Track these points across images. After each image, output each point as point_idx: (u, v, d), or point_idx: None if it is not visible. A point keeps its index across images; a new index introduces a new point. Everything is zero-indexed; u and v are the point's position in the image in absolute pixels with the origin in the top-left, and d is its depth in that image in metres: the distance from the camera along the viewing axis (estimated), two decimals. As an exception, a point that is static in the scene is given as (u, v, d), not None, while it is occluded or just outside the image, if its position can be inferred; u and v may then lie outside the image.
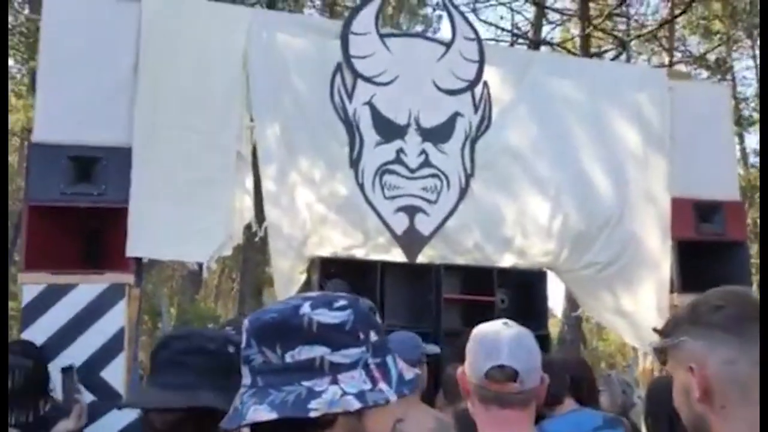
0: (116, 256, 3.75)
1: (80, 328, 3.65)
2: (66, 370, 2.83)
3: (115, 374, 3.59)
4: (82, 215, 3.79)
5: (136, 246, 3.73)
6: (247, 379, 0.98)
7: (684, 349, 1.12)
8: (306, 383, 0.94)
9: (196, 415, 1.28)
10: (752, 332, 1.06)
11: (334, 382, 0.94)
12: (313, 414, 0.92)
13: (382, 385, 0.96)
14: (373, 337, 0.99)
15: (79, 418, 2.56)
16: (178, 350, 1.38)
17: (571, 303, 11.84)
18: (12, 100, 13.35)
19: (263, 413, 0.92)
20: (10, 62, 13.64)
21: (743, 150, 18.49)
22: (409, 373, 1.01)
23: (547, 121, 4.62)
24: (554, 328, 12.01)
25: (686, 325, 1.13)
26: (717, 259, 4.66)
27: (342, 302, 0.99)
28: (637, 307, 4.55)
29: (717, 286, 4.10)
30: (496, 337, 1.54)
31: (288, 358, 0.95)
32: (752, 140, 19.36)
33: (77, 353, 3.57)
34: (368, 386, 0.95)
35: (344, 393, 0.93)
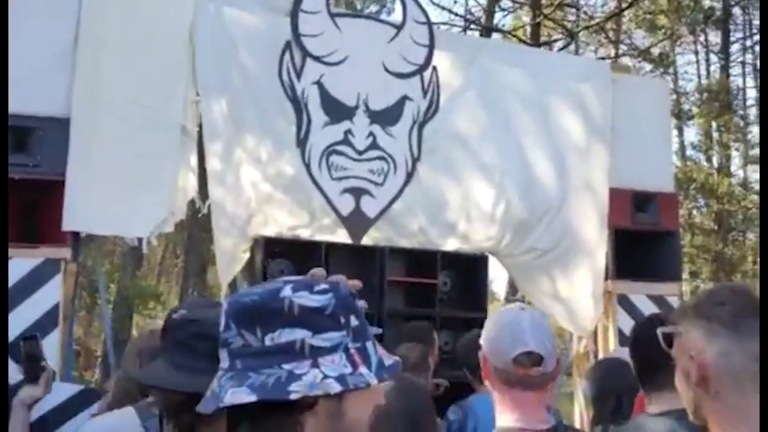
0: (52, 230, 3.64)
1: (13, 303, 3.53)
2: (30, 339, 2.77)
3: (49, 350, 3.47)
4: (17, 187, 3.66)
5: (72, 220, 3.63)
6: (225, 363, 0.97)
7: (687, 338, 1.24)
8: (286, 366, 0.94)
9: (195, 400, 1.31)
10: (749, 328, 1.17)
11: (315, 365, 0.94)
12: (293, 396, 0.91)
13: (363, 369, 0.96)
14: (354, 321, 0.99)
15: (46, 385, 2.53)
16: (191, 334, 1.39)
17: (513, 287, 12.11)
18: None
19: (242, 396, 0.92)
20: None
21: (682, 143, 19.15)
22: (389, 359, 1.01)
23: (494, 108, 4.68)
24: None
25: (691, 316, 1.25)
26: (650, 248, 4.84)
27: (323, 286, 0.99)
28: (573, 293, 4.69)
29: (649, 274, 4.22)
30: (518, 322, 1.62)
31: (268, 341, 0.94)
32: (690, 133, 20.07)
33: (10, 328, 3.46)
34: (348, 370, 0.95)
35: (325, 376, 0.93)
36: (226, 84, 4.09)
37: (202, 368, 1.33)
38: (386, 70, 4.46)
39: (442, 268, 4.59)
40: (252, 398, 0.91)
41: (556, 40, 16.01)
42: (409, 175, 4.49)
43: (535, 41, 13.74)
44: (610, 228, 4.76)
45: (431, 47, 4.55)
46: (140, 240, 3.95)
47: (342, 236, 4.34)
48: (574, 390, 5.13)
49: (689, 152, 19.42)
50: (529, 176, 4.70)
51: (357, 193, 4.36)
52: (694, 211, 17.13)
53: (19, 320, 3.51)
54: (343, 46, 4.36)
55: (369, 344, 1.01)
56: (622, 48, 18.20)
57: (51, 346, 3.51)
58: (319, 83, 4.30)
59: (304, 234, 4.29)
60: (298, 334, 0.95)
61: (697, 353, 1.20)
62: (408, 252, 4.56)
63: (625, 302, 4.69)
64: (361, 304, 1.04)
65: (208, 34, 4.07)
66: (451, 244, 4.57)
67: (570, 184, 4.75)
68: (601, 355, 4.71)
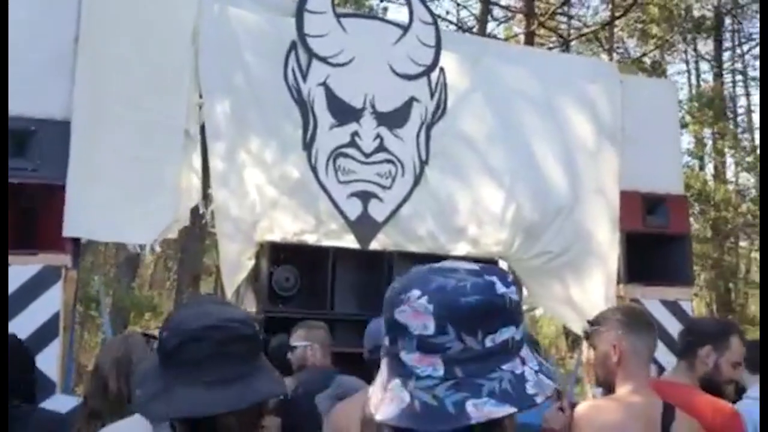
0: (51, 236, 3.52)
1: (11, 312, 3.39)
2: None
3: (49, 361, 3.35)
4: (14, 192, 3.54)
5: (73, 226, 3.51)
6: (437, 370, 0.86)
7: (608, 334, 2.08)
8: (505, 367, 0.87)
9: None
10: (639, 326, 2.07)
11: (523, 362, 0.88)
12: (538, 400, 0.86)
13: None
14: None
15: None
16: (220, 340, 1.24)
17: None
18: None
19: (492, 408, 0.84)
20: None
21: (675, 150, 19.08)
22: None
23: (502, 110, 4.60)
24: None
25: (611, 321, 2.12)
26: (662, 252, 4.75)
27: (509, 278, 0.94)
28: (585, 297, 4.59)
29: (661, 278, 4.43)
30: None
31: (489, 343, 0.86)
32: (684, 140, 20.10)
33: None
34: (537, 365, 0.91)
35: (537, 371, 0.89)
36: (229, 85, 3.99)
37: (242, 374, 1.23)
38: (393, 71, 4.37)
39: (452, 274, 4.47)
40: (507, 410, 0.84)
41: (550, 49, 16.00)
42: (417, 179, 4.39)
43: (530, 49, 13.69)
44: (622, 231, 4.67)
45: (438, 47, 4.47)
46: (142, 247, 3.83)
47: (349, 241, 4.22)
48: (584, 398, 5.01)
49: (685, 159, 19.43)
50: (539, 179, 4.61)
51: (364, 197, 4.25)
52: (691, 219, 17.05)
53: (18, 330, 3.33)
54: (349, 47, 4.27)
55: None
56: (615, 56, 18.23)
57: (51, 357, 3.38)
58: (325, 84, 4.21)
59: (311, 239, 4.17)
60: (511, 331, 0.89)
61: (618, 343, 2.01)
62: (417, 257, 4.43)
63: (638, 307, 4.58)
64: None
65: (213, 35, 3.97)
66: (460, 249, 4.46)
67: (581, 187, 4.66)
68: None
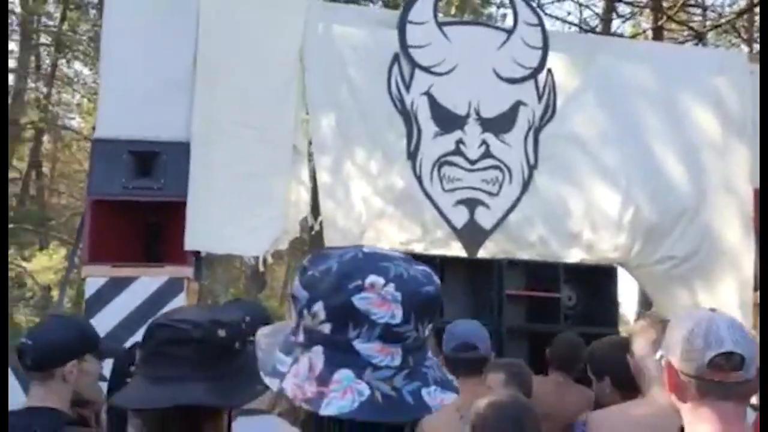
0: (176, 250, 3.77)
1: (141, 321, 3.67)
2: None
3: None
4: (143, 209, 3.84)
5: (193, 240, 3.73)
6: (395, 360, 0.85)
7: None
8: (429, 354, 0.91)
9: (183, 410, 1.22)
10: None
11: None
12: (455, 383, 0.91)
13: None
14: None
15: None
16: (163, 340, 1.27)
17: (645, 305, 11.34)
18: (85, 104, 14.00)
19: (443, 395, 0.87)
20: (84, 69, 14.35)
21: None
22: None
23: (617, 109, 4.38)
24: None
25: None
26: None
27: None
28: (717, 306, 4.20)
29: None
30: (712, 322, 1.40)
31: (427, 331, 0.89)
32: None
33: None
34: None
35: None
36: (334, 99, 4.10)
37: (179, 376, 1.23)
38: (498, 76, 4.30)
39: (566, 282, 4.30)
40: (452, 396, 0.87)
41: (681, 43, 15.06)
42: (526, 184, 4.27)
43: (658, 45, 12.93)
44: (756, 233, 4.27)
45: (545, 49, 4.34)
46: (257, 259, 4.00)
47: (456, 249, 4.18)
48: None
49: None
50: (659, 178, 4.33)
51: (471, 204, 4.20)
52: None
53: (146, 338, 3.64)
54: (452, 55, 4.25)
55: None
56: (756, 47, 16.84)
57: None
58: (428, 94, 4.21)
59: (418, 248, 4.16)
60: None
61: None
62: (527, 264, 4.31)
63: (778, 315, 4.16)
64: None
65: (318, 53, 4.10)
66: (574, 255, 4.28)
67: (708, 185, 4.33)
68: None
